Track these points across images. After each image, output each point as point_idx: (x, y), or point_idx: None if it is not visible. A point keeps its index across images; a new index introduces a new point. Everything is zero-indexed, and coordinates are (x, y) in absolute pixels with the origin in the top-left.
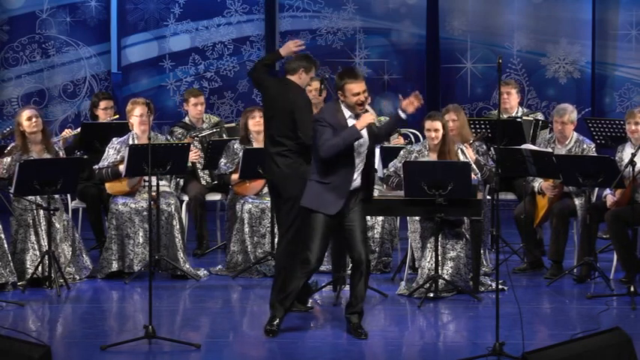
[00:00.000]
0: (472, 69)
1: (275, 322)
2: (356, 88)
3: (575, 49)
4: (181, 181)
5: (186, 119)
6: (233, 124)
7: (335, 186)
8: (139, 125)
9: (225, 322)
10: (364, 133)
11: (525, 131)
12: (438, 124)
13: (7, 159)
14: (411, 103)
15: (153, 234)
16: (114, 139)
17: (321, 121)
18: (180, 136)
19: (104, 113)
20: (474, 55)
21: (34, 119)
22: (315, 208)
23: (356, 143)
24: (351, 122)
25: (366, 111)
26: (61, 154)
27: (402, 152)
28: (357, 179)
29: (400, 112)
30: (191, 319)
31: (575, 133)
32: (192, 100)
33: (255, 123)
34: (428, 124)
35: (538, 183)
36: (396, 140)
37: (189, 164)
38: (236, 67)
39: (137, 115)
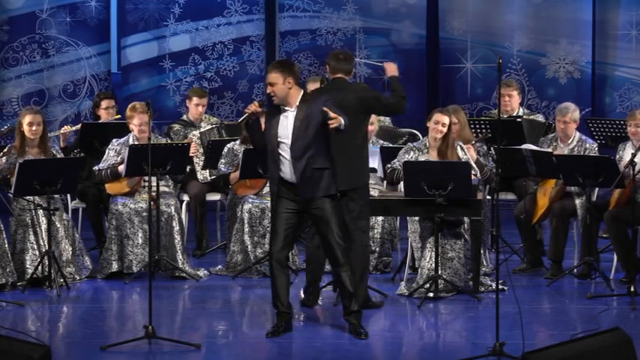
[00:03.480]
0: (472, 69)
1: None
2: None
3: (575, 49)
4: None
5: (185, 117)
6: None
7: (271, 175)
8: (138, 133)
9: (225, 322)
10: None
11: (536, 132)
12: (447, 119)
13: (3, 160)
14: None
15: (152, 234)
16: (114, 140)
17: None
18: (178, 132)
19: (106, 113)
20: (474, 55)
21: (34, 127)
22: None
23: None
24: None
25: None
26: (58, 156)
27: (401, 151)
28: (291, 171)
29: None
30: (191, 319)
31: (577, 133)
32: (195, 99)
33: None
34: (437, 116)
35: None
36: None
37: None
38: (236, 67)
39: (136, 124)
